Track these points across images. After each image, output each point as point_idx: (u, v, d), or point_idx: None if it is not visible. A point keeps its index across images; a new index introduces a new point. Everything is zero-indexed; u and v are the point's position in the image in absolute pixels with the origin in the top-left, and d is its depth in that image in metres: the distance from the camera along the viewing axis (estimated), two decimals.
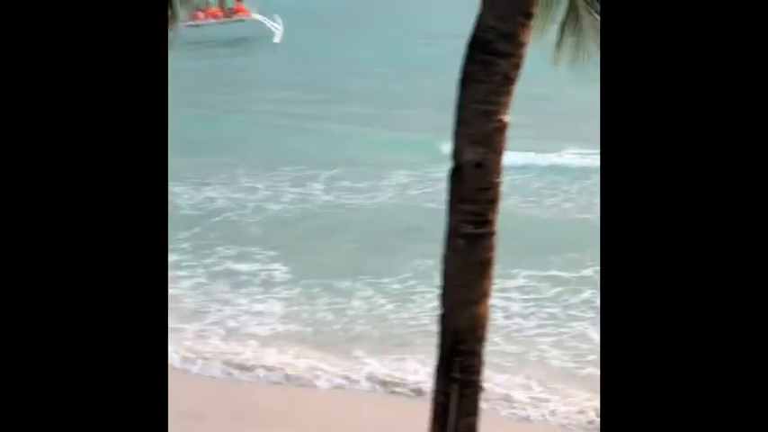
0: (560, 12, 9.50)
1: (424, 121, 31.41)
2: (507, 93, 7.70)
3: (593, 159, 28.79)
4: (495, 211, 7.85)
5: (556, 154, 29.54)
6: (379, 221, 24.88)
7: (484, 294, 7.95)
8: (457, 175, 7.80)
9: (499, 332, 17.16)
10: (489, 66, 7.65)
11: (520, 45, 7.67)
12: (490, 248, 7.85)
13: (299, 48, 43.87)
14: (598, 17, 9.34)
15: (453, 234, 7.84)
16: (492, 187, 7.79)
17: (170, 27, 9.37)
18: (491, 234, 7.83)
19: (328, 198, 26.87)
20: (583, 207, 25.54)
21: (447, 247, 7.90)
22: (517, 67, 7.71)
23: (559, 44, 9.56)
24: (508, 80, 7.69)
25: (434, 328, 8.20)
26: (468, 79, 7.70)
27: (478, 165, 7.71)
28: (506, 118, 7.74)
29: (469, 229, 7.79)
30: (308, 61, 42.20)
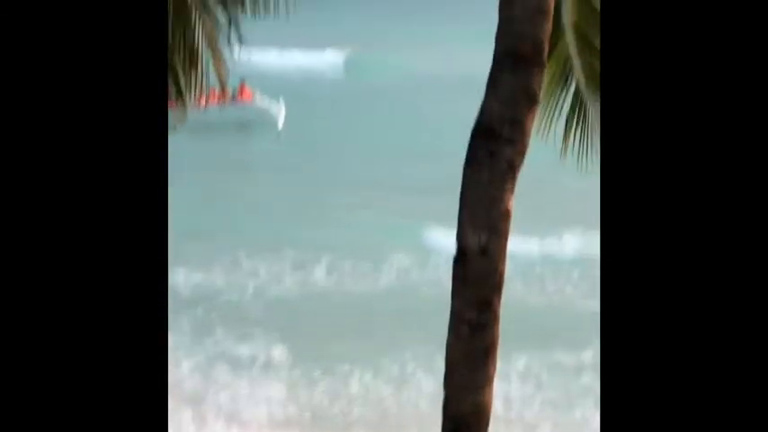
0: (565, 100, 9.59)
1: (421, 207, 31.59)
2: (512, 179, 7.73)
3: (594, 245, 28.84)
4: (500, 297, 7.84)
5: (557, 238, 29.57)
6: (379, 306, 24.84)
7: (487, 380, 7.92)
8: (461, 261, 7.81)
9: (499, 418, 17.07)
10: (494, 152, 7.68)
11: (524, 132, 7.72)
12: (494, 335, 7.84)
13: (301, 131, 44.08)
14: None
15: (457, 320, 7.83)
16: (496, 273, 7.78)
17: (177, 111, 9.43)
18: (495, 321, 7.82)
19: (329, 281, 26.85)
20: (585, 293, 25.52)
21: (451, 333, 7.89)
22: (522, 153, 7.74)
23: (565, 136, 9.65)
24: (512, 166, 7.73)
25: (432, 412, 8.16)
26: (473, 165, 7.73)
27: (483, 251, 7.72)
28: (511, 204, 7.76)
29: (474, 314, 7.78)
30: (311, 146, 42.38)
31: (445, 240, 26.28)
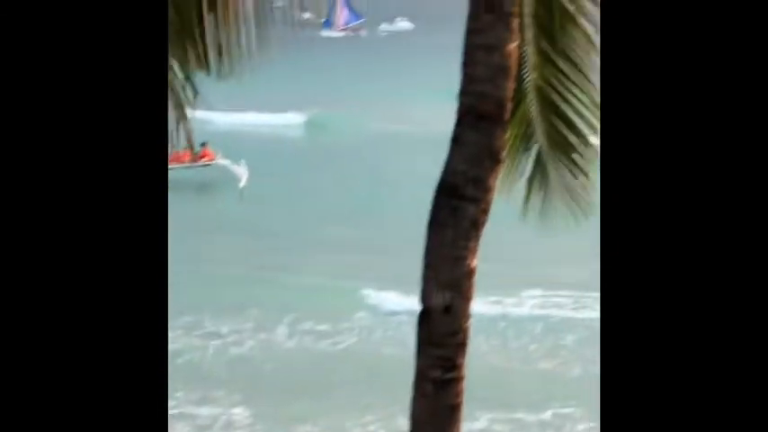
0: (527, 162, 9.65)
1: (381, 267, 31.76)
2: (475, 237, 7.76)
3: (554, 304, 28.94)
4: (464, 355, 7.84)
5: (519, 297, 29.64)
6: (340, 365, 24.78)
7: None
8: (425, 320, 7.81)
9: None
10: (458, 210, 7.72)
11: (488, 190, 7.75)
12: (459, 393, 7.83)
13: (264, 191, 44.06)
14: (568, 174, 9.51)
15: (422, 378, 7.83)
16: (460, 332, 7.79)
17: None
18: (460, 379, 7.82)
19: (291, 342, 26.78)
20: (547, 351, 25.56)
21: (416, 391, 7.88)
22: (485, 212, 7.77)
23: (527, 197, 9.70)
24: (476, 225, 7.76)
25: None
26: (437, 224, 7.76)
27: (447, 309, 7.73)
28: (474, 262, 7.78)
29: (438, 373, 7.77)
30: (272, 205, 42.36)
31: (405, 300, 26.40)
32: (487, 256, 7.86)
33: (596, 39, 9.21)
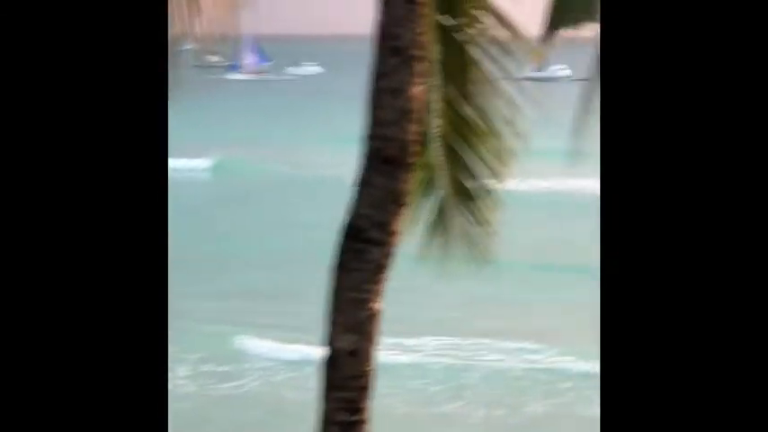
0: (430, 208, 9.69)
1: (278, 312, 31.78)
2: (380, 281, 7.78)
3: (451, 349, 29.10)
4: (369, 398, 7.85)
5: (419, 340, 29.72)
6: (240, 410, 24.67)
7: None
8: (330, 363, 7.81)
9: None
10: (362, 254, 7.74)
11: (392, 234, 7.79)
12: None
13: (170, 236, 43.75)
14: (469, 221, 9.58)
15: (327, 422, 7.81)
16: (365, 375, 7.80)
17: None
18: (364, 422, 7.82)
19: (193, 386, 26.61)
20: (450, 395, 25.64)
21: None
22: (390, 255, 7.80)
23: (428, 242, 9.75)
24: (381, 268, 7.78)
25: None
26: (342, 267, 7.77)
27: (352, 353, 7.74)
28: (379, 305, 7.81)
29: (343, 416, 7.77)
30: (174, 251, 42.09)
31: (302, 346, 26.50)
32: (388, 300, 7.89)
33: (501, 86, 9.31)
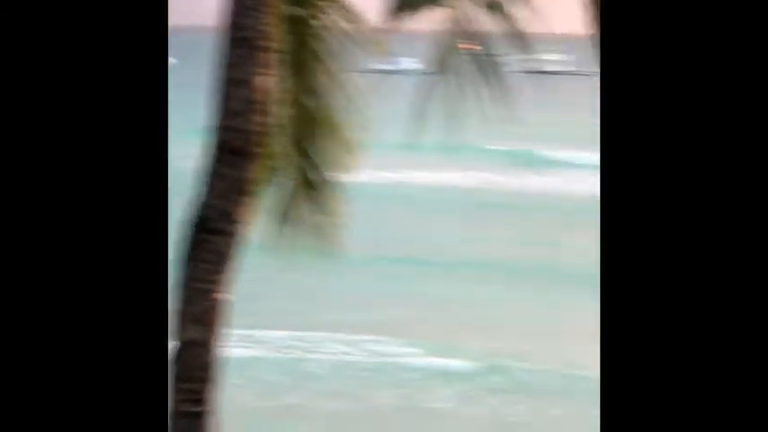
0: (278, 198, 9.65)
1: None
2: (225, 271, 7.75)
3: (299, 344, 29.13)
4: (215, 389, 7.82)
5: (266, 334, 29.62)
6: None
7: None
8: (177, 355, 7.76)
9: None
10: (206, 244, 7.70)
11: (237, 223, 7.76)
12: (214, 426, 7.80)
13: None
14: (315, 211, 9.56)
15: (177, 414, 7.75)
16: (210, 366, 7.77)
17: None
18: (210, 413, 7.79)
19: None
20: (296, 386, 25.64)
21: (173, 427, 7.80)
22: (234, 245, 7.78)
23: (276, 233, 9.71)
24: (224, 258, 7.75)
25: None
26: (188, 257, 7.73)
27: (196, 343, 7.71)
28: (224, 296, 7.78)
29: (189, 407, 7.73)
30: None
31: None
32: (236, 291, 7.87)
33: (346, 78, 9.32)
